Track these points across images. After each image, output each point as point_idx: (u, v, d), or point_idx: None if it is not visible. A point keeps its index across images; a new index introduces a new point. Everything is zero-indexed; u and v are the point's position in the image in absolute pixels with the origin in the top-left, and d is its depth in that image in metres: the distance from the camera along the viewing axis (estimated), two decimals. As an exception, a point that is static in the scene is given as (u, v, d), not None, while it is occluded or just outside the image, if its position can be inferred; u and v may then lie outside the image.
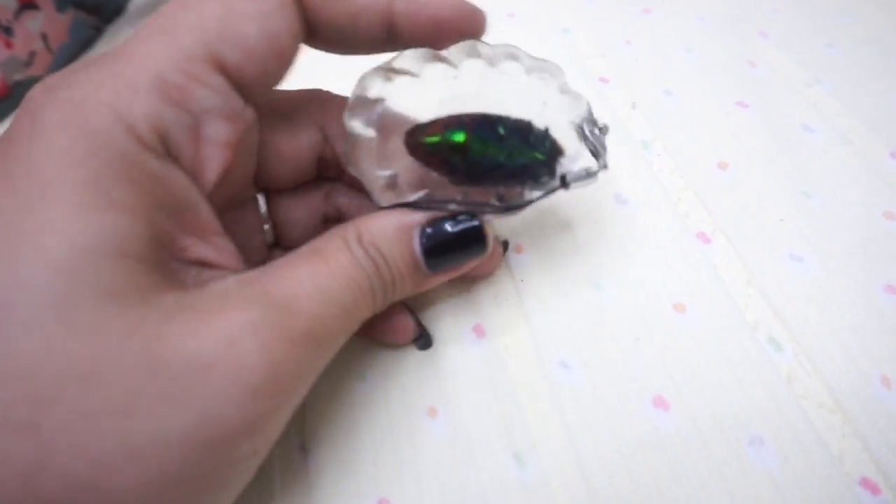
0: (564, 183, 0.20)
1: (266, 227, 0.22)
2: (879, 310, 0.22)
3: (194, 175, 0.17)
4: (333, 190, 0.23)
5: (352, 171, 0.19)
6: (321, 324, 0.16)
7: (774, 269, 0.23)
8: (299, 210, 0.22)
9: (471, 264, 0.20)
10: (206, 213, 0.17)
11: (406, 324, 0.22)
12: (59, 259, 0.13)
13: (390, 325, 0.22)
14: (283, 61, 0.17)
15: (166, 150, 0.16)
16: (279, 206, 0.22)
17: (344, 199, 0.23)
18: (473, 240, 0.19)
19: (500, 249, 0.23)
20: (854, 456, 0.19)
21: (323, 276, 0.17)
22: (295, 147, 0.21)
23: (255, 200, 0.22)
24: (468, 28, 0.19)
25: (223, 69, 0.16)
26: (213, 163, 0.17)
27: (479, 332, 0.23)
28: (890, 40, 0.30)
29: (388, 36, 0.19)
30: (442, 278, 0.20)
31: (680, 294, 0.23)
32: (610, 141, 0.28)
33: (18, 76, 0.33)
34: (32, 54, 0.33)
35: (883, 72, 0.29)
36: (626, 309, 0.23)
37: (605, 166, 0.20)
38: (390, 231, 0.18)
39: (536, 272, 0.24)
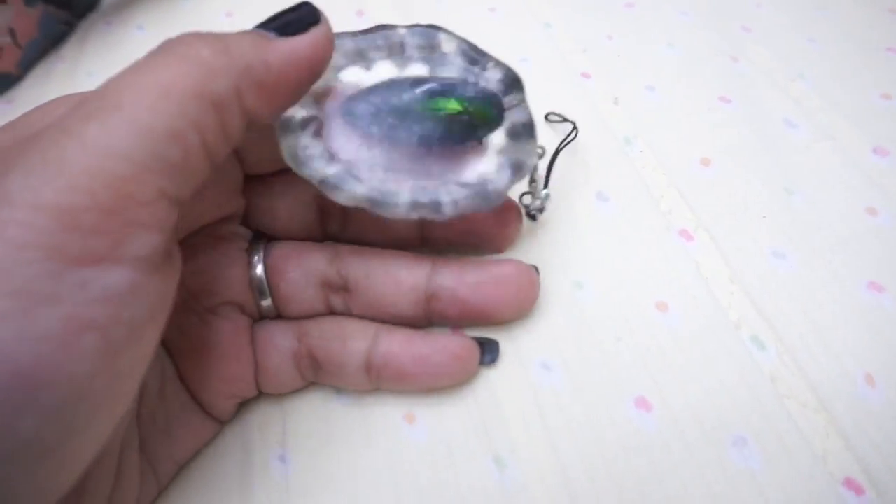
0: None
1: (256, 271, 0.21)
2: (863, 307, 0.21)
3: None
4: (339, 255, 0.21)
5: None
6: None
7: (757, 266, 0.23)
8: (295, 263, 0.21)
9: (316, 33, 0.17)
10: None
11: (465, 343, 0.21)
12: None
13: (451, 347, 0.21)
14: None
15: None
16: (275, 255, 0.21)
17: (350, 266, 0.21)
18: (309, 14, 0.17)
19: (519, 214, 0.23)
20: (838, 456, 0.19)
21: None
22: (292, 195, 0.22)
23: (243, 242, 0.21)
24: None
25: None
26: None
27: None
28: (872, 35, 0.30)
29: None
30: (293, 43, 0.17)
31: (662, 293, 0.22)
32: (590, 136, 0.27)
33: (-15, 72, 0.32)
34: (0, 50, 0.32)
35: (865, 67, 0.29)
36: (608, 308, 0.22)
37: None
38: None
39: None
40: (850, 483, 0.18)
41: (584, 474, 0.19)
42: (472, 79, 0.20)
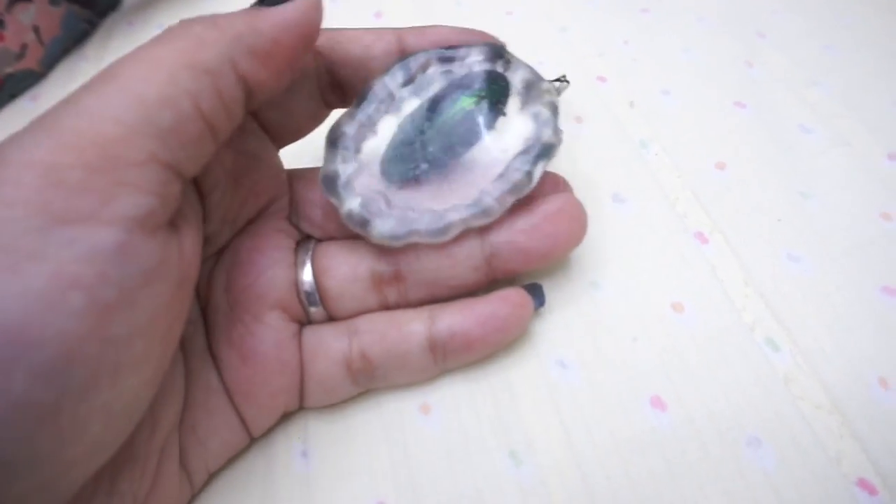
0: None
1: (305, 274, 0.21)
2: (877, 311, 0.22)
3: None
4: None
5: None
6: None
7: (772, 269, 0.23)
8: (341, 260, 0.21)
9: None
10: None
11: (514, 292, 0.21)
12: None
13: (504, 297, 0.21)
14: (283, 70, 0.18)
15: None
16: (322, 255, 0.21)
17: (398, 253, 0.21)
18: None
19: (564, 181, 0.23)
20: (851, 457, 0.19)
21: None
22: None
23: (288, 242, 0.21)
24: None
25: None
26: None
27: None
28: (887, 42, 0.30)
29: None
30: (282, 11, 0.17)
31: (678, 294, 0.23)
32: (608, 140, 0.28)
33: (9, 69, 0.32)
34: (24, 47, 0.33)
35: (880, 73, 0.29)
36: (624, 308, 0.22)
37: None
38: None
39: (534, 271, 0.24)
40: (863, 484, 0.18)
41: (600, 471, 0.19)
42: (461, 74, 0.21)
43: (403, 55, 0.21)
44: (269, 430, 0.21)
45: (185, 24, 0.16)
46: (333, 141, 0.20)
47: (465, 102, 0.21)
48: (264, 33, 0.17)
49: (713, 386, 0.21)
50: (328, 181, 0.20)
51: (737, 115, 0.28)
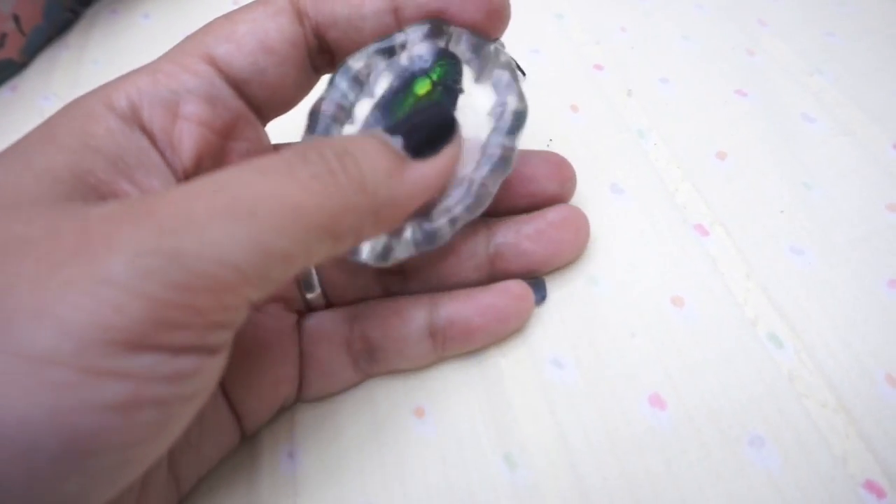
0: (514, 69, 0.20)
1: None
2: (883, 305, 0.21)
3: (171, 147, 0.17)
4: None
5: None
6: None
7: (774, 262, 0.22)
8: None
9: (448, 154, 0.17)
10: (158, 179, 0.17)
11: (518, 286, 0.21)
12: None
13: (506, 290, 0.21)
14: (276, 56, 0.18)
15: (137, 118, 0.17)
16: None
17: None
18: (447, 126, 0.18)
19: (570, 163, 0.22)
20: (858, 457, 0.18)
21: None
22: None
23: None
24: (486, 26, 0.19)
25: (212, 61, 0.18)
26: (187, 137, 0.17)
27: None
28: (891, 30, 0.29)
29: (396, 20, 0.19)
30: (425, 172, 0.17)
31: (678, 288, 0.22)
32: (605, 129, 0.27)
33: (-11, 59, 0.31)
34: (3, 36, 0.32)
35: (884, 61, 0.28)
36: (622, 303, 0.22)
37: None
38: (358, 138, 0.16)
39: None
40: (870, 485, 0.18)
41: (596, 473, 0.19)
42: (405, 62, 0.20)
43: (397, 13, 0.19)
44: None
45: (325, 158, 0.15)
46: None
47: (420, 88, 0.20)
48: (399, 200, 0.16)
49: (714, 383, 0.20)
50: None
51: (737, 104, 0.27)
